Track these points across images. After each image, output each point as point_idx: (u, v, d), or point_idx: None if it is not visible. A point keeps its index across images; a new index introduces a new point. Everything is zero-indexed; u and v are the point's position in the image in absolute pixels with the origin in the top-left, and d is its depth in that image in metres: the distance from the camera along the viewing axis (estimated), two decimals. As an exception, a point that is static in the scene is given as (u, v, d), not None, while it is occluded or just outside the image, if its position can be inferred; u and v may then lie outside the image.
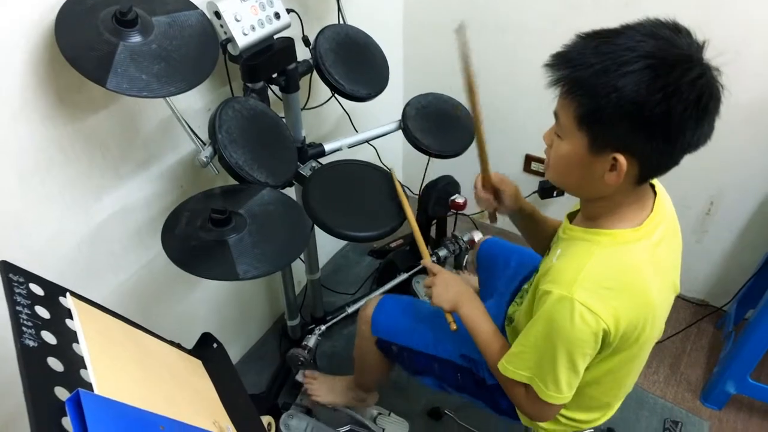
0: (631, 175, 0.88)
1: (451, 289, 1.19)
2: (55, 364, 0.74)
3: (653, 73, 0.78)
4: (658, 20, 0.84)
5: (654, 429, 1.79)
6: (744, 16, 1.58)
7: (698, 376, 1.94)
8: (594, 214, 0.99)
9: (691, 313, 2.12)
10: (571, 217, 1.09)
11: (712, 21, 1.52)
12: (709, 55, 0.83)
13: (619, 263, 0.94)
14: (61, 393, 0.71)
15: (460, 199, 1.95)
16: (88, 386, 0.76)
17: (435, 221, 2.05)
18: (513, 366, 1.03)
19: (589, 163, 0.89)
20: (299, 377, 1.78)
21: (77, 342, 0.81)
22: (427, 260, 1.29)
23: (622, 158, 0.85)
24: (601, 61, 0.81)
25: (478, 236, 1.89)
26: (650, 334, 1.00)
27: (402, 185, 1.45)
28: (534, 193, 2.19)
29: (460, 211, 1.97)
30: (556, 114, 0.92)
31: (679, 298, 2.16)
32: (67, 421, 0.68)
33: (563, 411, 1.14)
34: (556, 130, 0.93)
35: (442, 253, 1.98)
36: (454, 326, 1.17)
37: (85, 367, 0.78)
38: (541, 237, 1.28)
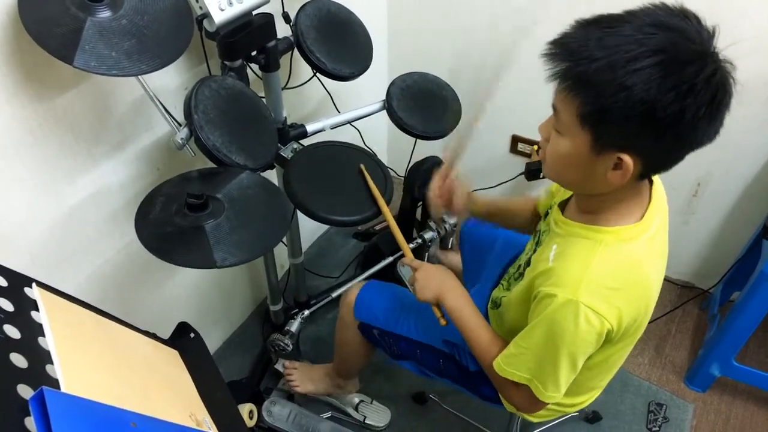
0: (636, 172, 0.83)
1: (433, 281, 1.16)
2: (18, 359, 0.71)
3: (665, 70, 0.73)
4: (665, 6, 0.78)
5: (639, 411, 1.79)
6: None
7: (683, 358, 1.94)
8: (592, 208, 0.95)
9: (677, 295, 2.12)
10: (562, 205, 1.05)
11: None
12: (721, 44, 0.78)
13: (623, 262, 0.91)
14: (25, 391, 0.68)
15: None
16: (55, 382, 0.72)
17: (420, 203, 2.02)
18: (512, 367, 1.00)
19: (591, 162, 0.84)
20: (279, 367, 1.75)
21: (43, 336, 0.77)
22: (408, 257, 1.26)
23: (628, 158, 0.80)
24: (607, 55, 0.75)
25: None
26: (647, 321, 0.99)
27: (385, 169, 1.40)
28: (520, 174, 2.16)
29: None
30: (555, 108, 0.85)
31: (665, 280, 2.14)
32: (30, 421, 0.65)
33: None
34: (555, 126, 0.87)
35: (428, 235, 1.95)
36: (443, 321, 1.14)
37: (51, 363, 0.74)
38: (516, 225, 1.27)
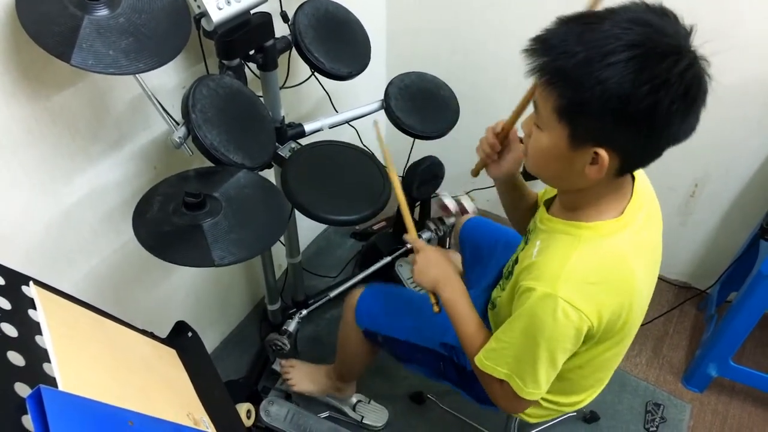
0: (613, 168, 0.84)
1: (433, 269, 1.14)
2: (15, 358, 0.70)
3: (639, 64, 0.74)
4: (644, 4, 0.80)
5: (636, 411, 1.79)
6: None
7: (680, 358, 1.95)
8: (574, 205, 0.95)
9: (674, 295, 2.12)
10: (548, 203, 1.06)
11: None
12: (697, 42, 0.79)
13: (603, 257, 0.91)
14: (22, 389, 0.67)
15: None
16: (52, 381, 0.72)
17: (419, 203, 2.02)
18: (491, 362, 1.00)
19: (570, 157, 0.85)
20: (276, 367, 1.75)
21: (40, 334, 0.77)
22: (412, 236, 1.23)
23: (603, 152, 0.81)
24: (584, 49, 0.76)
25: (467, 202, 1.87)
26: (634, 319, 0.98)
27: (383, 169, 1.40)
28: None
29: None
30: (535, 104, 0.87)
31: (662, 281, 2.16)
32: (27, 420, 0.64)
33: (546, 395, 1.12)
34: (535, 121, 0.88)
35: (426, 235, 1.96)
36: (436, 308, 1.13)
37: (48, 361, 0.74)
38: (524, 209, 1.24)
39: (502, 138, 1.15)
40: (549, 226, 0.99)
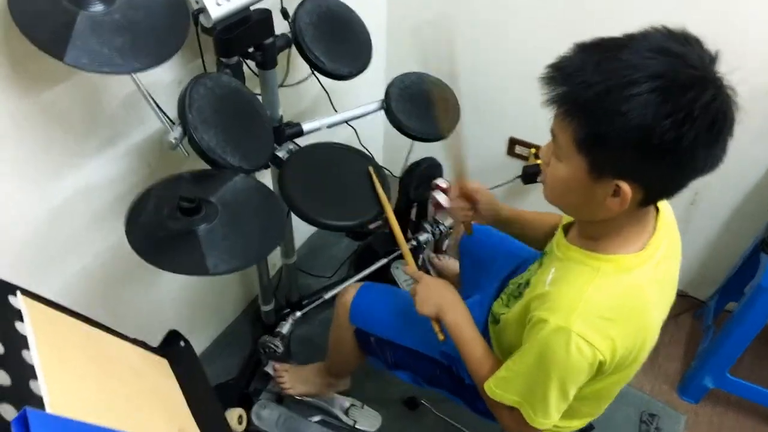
0: (636, 200, 0.81)
1: (435, 295, 1.14)
2: (1, 377, 0.67)
3: (662, 96, 0.71)
4: (666, 30, 0.76)
5: (631, 421, 1.78)
6: (738, 6, 1.52)
7: (676, 368, 1.93)
8: (593, 234, 0.92)
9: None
10: (566, 227, 1.03)
11: (706, 7, 1.47)
12: (724, 69, 0.76)
13: (620, 292, 0.88)
14: (7, 411, 0.64)
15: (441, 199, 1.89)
16: (38, 400, 0.69)
17: (416, 204, 1.99)
18: (501, 390, 0.98)
19: (590, 188, 0.82)
20: (269, 369, 1.73)
21: (27, 348, 0.73)
22: (411, 268, 1.23)
23: (626, 186, 0.78)
24: (603, 80, 0.73)
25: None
26: (645, 353, 0.96)
27: (384, 172, 1.37)
28: (517, 178, 2.14)
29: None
30: (553, 133, 0.84)
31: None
32: (12, 444, 0.61)
33: None
34: (554, 151, 0.85)
35: (423, 237, 1.93)
36: (441, 336, 1.12)
37: (35, 377, 0.71)
38: (533, 238, 1.23)
39: (465, 196, 1.23)
40: (566, 254, 0.96)
